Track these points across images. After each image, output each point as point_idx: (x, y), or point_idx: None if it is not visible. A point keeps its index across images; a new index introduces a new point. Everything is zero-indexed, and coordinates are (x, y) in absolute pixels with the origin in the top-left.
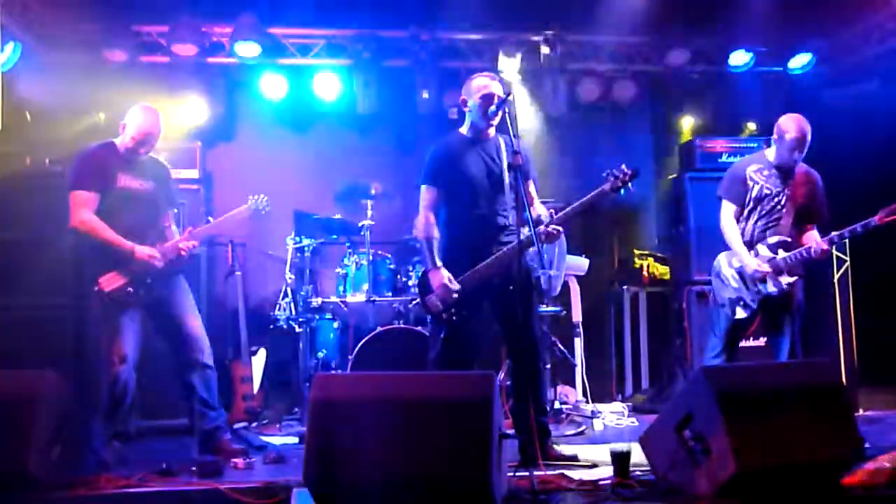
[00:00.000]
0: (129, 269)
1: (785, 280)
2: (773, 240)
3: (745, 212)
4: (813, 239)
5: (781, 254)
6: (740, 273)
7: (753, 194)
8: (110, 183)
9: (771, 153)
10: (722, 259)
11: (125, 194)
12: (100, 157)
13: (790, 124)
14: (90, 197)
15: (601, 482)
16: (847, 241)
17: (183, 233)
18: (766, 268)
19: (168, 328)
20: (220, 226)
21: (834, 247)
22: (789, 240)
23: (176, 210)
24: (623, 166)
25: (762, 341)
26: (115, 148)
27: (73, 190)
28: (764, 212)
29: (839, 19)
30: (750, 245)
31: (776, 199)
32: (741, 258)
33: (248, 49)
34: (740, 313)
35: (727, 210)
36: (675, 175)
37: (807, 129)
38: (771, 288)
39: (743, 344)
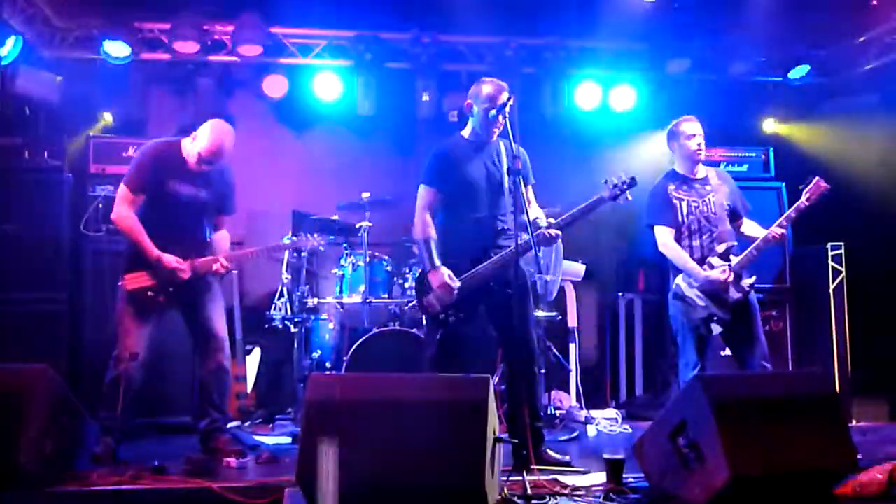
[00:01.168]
0: (156, 273)
1: (746, 282)
2: (720, 248)
3: (686, 231)
4: (754, 228)
5: (734, 259)
6: (703, 291)
7: (685, 212)
8: (159, 186)
9: (677, 166)
10: (680, 282)
11: (173, 200)
12: (156, 158)
13: (681, 123)
14: (134, 197)
15: (594, 488)
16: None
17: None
18: (730, 275)
19: (195, 329)
20: (262, 253)
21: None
22: (735, 244)
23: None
24: (622, 174)
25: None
26: (178, 151)
27: (123, 183)
28: (703, 225)
29: (839, 32)
30: (702, 261)
31: (708, 209)
32: (699, 275)
33: (249, 48)
34: (716, 329)
35: (665, 234)
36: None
37: (699, 127)
38: (735, 294)
39: (723, 353)
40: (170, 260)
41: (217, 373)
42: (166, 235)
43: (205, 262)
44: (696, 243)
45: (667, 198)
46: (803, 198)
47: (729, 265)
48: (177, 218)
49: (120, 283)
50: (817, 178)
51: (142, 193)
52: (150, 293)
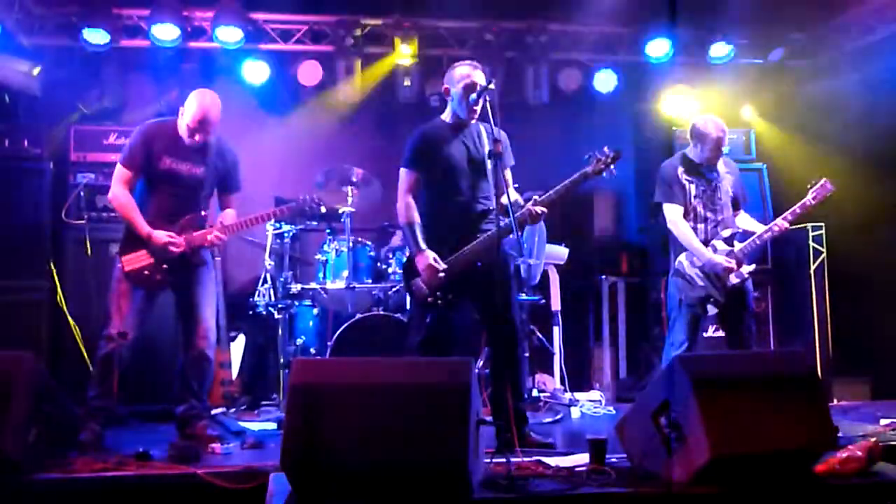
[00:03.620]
0: (152, 251)
1: (746, 269)
2: (726, 233)
3: (692, 214)
4: (748, 221)
5: (737, 245)
6: (704, 271)
7: (692, 194)
8: (153, 163)
9: (691, 153)
10: (683, 260)
11: (167, 176)
12: (149, 135)
13: (710, 125)
14: (128, 174)
15: (577, 469)
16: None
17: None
18: (732, 262)
19: (183, 312)
20: (260, 219)
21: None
22: (739, 230)
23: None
24: (605, 148)
25: (723, 332)
26: (172, 128)
27: (119, 162)
28: (709, 209)
29: (819, 13)
30: (705, 244)
31: (714, 195)
32: (703, 255)
33: (229, 34)
34: (711, 310)
35: (674, 212)
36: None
37: (725, 129)
38: (734, 280)
39: (705, 334)
40: (160, 235)
41: (198, 360)
42: (164, 213)
43: (199, 235)
44: (700, 226)
45: (677, 178)
46: (809, 196)
47: (732, 251)
48: (174, 196)
49: (118, 265)
50: (825, 179)
51: (137, 171)
52: (146, 272)
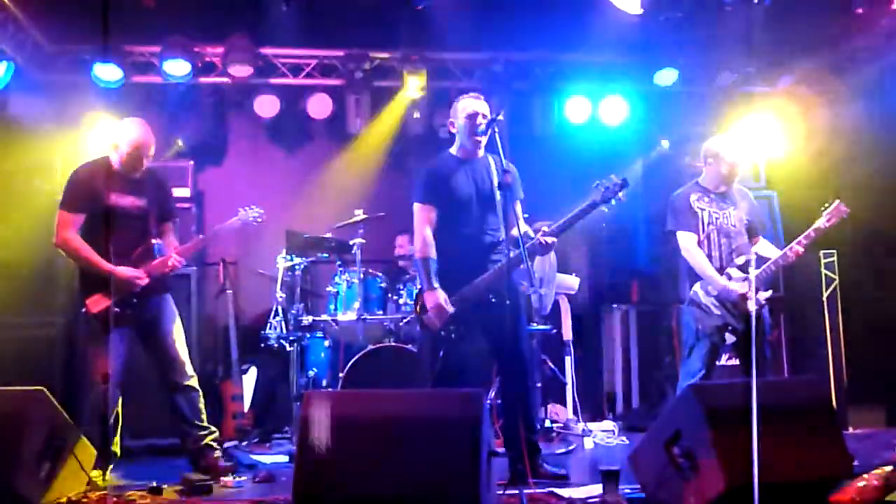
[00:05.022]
0: (115, 289)
1: (762, 296)
2: (740, 260)
3: (705, 241)
4: (768, 248)
5: (752, 272)
6: (720, 299)
7: (705, 222)
8: (99, 203)
9: (705, 179)
10: (698, 289)
11: (115, 213)
12: (90, 176)
13: (726, 146)
14: (74, 218)
15: (590, 500)
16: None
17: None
18: (747, 288)
19: (153, 349)
20: (209, 240)
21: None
22: (753, 257)
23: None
24: (612, 176)
25: (737, 360)
26: (108, 165)
27: (60, 209)
28: (723, 236)
29: (827, 40)
30: (720, 271)
31: (728, 222)
32: (718, 283)
33: (240, 69)
34: (730, 338)
35: (688, 240)
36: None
37: (741, 150)
38: (752, 307)
39: (719, 363)
40: (124, 270)
41: (184, 393)
42: (114, 250)
43: (158, 264)
44: (714, 254)
45: (690, 206)
46: (823, 219)
47: (747, 278)
48: (122, 231)
49: (83, 310)
50: (838, 201)
51: (80, 213)
52: (116, 310)
